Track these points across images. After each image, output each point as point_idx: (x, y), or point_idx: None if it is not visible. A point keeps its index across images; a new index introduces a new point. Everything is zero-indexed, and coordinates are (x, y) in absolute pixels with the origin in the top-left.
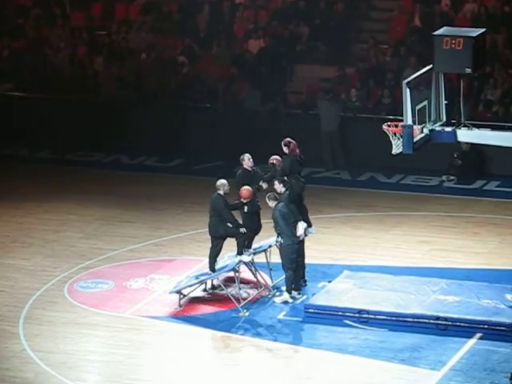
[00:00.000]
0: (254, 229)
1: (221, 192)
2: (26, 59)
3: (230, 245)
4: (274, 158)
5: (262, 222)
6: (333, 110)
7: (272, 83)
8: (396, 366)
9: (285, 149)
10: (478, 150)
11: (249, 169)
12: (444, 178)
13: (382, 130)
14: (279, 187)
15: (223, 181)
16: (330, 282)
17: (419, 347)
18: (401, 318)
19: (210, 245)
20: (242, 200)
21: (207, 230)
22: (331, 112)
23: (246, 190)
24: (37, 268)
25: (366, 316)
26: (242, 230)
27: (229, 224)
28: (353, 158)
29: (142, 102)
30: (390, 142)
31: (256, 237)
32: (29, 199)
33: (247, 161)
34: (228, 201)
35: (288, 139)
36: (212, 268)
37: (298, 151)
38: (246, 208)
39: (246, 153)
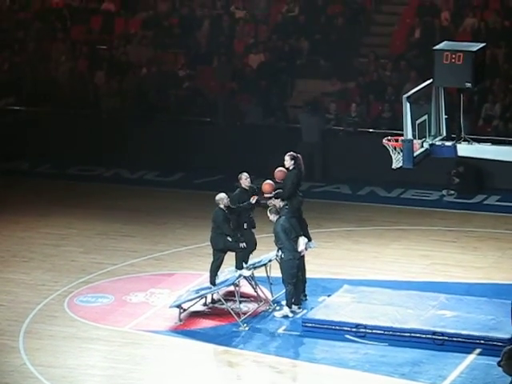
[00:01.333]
0: (251, 246)
1: (221, 206)
2: (27, 73)
3: (230, 259)
4: (280, 170)
5: (262, 236)
6: (313, 121)
7: (272, 98)
8: (396, 380)
9: (288, 163)
10: (476, 168)
11: (246, 188)
12: (444, 192)
13: (382, 145)
14: (277, 202)
15: (222, 195)
16: (329, 295)
17: (419, 362)
18: (398, 333)
19: (210, 259)
20: (265, 195)
21: (208, 244)
22: (311, 124)
23: (267, 184)
24: (37, 282)
25: (364, 330)
26: (242, 244)
27: (228, 238)
28: (352, 173)
29: (142, 117)
30: (391, 156)
31: (256, 251)
32: (29, 213)
33: (244, 180)
34: (228, 215)
35: (292, 153)
36: (212, 281)
37: (303, 166)
38: (245, 224)
39: (244, 172)
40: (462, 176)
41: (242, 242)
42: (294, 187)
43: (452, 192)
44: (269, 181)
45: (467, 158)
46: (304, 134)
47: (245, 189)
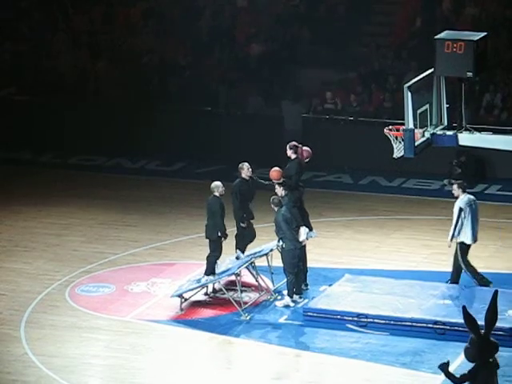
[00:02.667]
0: (251, 238)
1: (216, 194)
2: (28, 63)
3: (232, 249)
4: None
5: (263, 225)
6: (295, 109)
7: (273, 87)
8: (398, 369)
9: (290, 152)
10: (477, 157)
11: (247, 178)
12: (445, 181)
13: (383, 134)
14: (279, 190)
15: (218, 183)
16: (330, 285)
17: (421, 351)
18: (399, 322)
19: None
20: (274, 181)
21: None
22: (293, 112)
23: (275, 171)
24: (38, 272)
25: (365, 320)
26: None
27: (219, 229)
28: (354, 162)
29: (143, 106)
30: (392, 145)
31: (257, 241)
32: (31, 203)
33: (246, 170)
34: (223, 203)
35: (294, 143)
36: (208, 272)
37: (304, 155)
38: (243, 224)
39: (246, 162)
40: (464, 166)
41: (225, 235)
42: (298, 176)
43: (453, 182)
44: (277, 168)
45: (468, 148)
46: (286, 122)
47: (245, 179)
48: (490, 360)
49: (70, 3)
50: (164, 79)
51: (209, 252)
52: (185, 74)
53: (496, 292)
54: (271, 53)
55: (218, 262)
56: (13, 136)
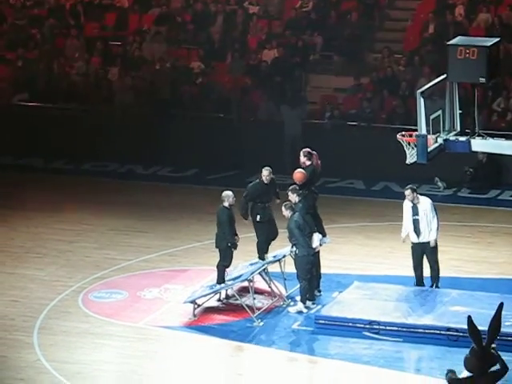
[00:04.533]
0: (267, 236)
1: (226, 204)
2: (41, 69)
3: (242, 255)
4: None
5: (277, 230)
6: (294, 114)
7: (286, 93)
8: (412, 376)
9: (304, 159)
10: (494, 162)
11: (265, 181)
12: (436, 178)
13: (396, 140)
14: (293, 197)
15: (229, 192)
16: (340, 292)
17: (434, 357)
18: (412, 329)
19: None
20: (297, 183)
21: None
22: (293, 116)
23: (300, 172)
24: (51, 278)
25: (377, 327)
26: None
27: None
28: (366, 168)
29: (155, 112)
30: (405, 151)
31: (271, 247)
32: (43, 209)
33: (267, 175)
34: (233, 214)
35: (308, 150)
36: (219, 281)
37: (319, 162)
38: (258, 217)
39: (268, 166)
40: (476, 172)
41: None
42: (310, 179)
43: (443, 182)
44: (301, 169)
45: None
46: (286, 127)
47: (264, 183)
48: (489, 372)
49: (83, 10)
50: (176, 86)
51: (218, 260)
52: (197, 81)
53: (501, 304)
54: (283, 59)
55: (231, 267)
56: (25, 142)
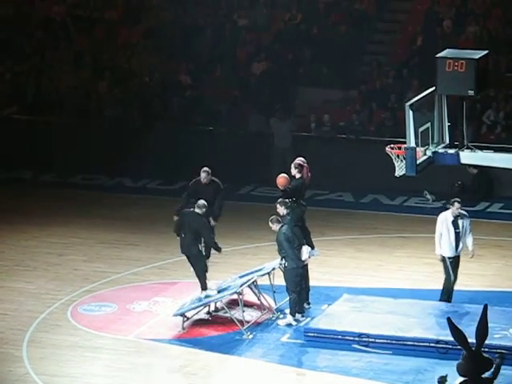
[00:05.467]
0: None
1: (199, 211)
2: (29, 82)
3: (231, 267)
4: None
5: (265, 244)
6: (284, 126)
7: (275, 106)
8: None
9: (295, 172)
10: (485, 176)
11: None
12: (426, 192)
13: (385, 152)
14: (281, 210)
15: (204, 202)
16: (329, 305)
17: (423, 369)
18: (401, 342)
19: (214, 267)
20: (280, 188)
21: (213, 253)
22: (283, 129)
23: (283, 177)
24: (40, 291)
25: (367, 339)
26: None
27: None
28: (354, 180)
29: (144, 125)
30: (394, 164)
31: (259, 259)
32: (33, 223)
33: (204, 176)
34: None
35: (299, 161)
36: (204, 287)
37: (309, 175)
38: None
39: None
40: (466, 185)
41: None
42: (298, 192)
43: (432, 195)
44: (284, 174)
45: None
46: (276, 140)
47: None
48: (482, 376)
49: (72, 22)
50: (165, 98)
51: (193, 269)
52: (186, 94)
53: (486, 306)
54: (272, 71)
55: (220, 280)
56: (14, 155)
